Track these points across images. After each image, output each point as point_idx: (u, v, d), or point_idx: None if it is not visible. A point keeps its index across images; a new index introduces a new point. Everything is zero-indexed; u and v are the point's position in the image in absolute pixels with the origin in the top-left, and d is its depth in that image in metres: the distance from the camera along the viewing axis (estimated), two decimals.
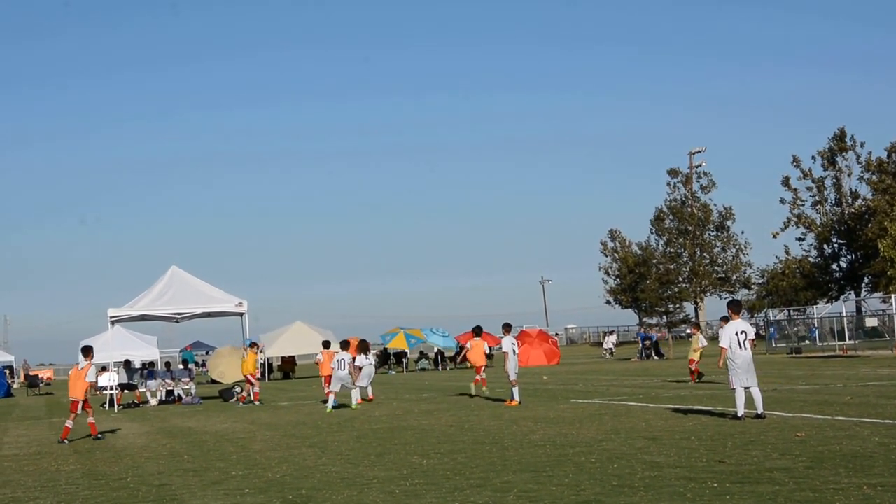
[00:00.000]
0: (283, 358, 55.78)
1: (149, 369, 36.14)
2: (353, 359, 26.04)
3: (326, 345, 28.78)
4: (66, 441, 19.52)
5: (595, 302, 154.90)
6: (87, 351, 20.42)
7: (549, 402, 24.03)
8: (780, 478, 10.44)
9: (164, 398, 33.91)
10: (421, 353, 62.30)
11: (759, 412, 16.54)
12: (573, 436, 15.58)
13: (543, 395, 27.10)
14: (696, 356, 30.51)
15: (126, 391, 33.78)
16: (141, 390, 33.84)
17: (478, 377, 27.04)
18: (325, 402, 25.66)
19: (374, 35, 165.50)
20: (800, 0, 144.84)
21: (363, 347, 27.28)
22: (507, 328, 24.89)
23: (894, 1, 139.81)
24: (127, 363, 35.89)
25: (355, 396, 25.84)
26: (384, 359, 60.59)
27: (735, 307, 17.75)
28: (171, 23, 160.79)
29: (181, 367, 39.95)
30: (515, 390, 23.42)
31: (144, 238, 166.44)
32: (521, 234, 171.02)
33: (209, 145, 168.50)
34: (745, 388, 16.76)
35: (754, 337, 17.11)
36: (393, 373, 55.72)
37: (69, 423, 19.92)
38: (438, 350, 60.06)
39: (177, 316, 33.43)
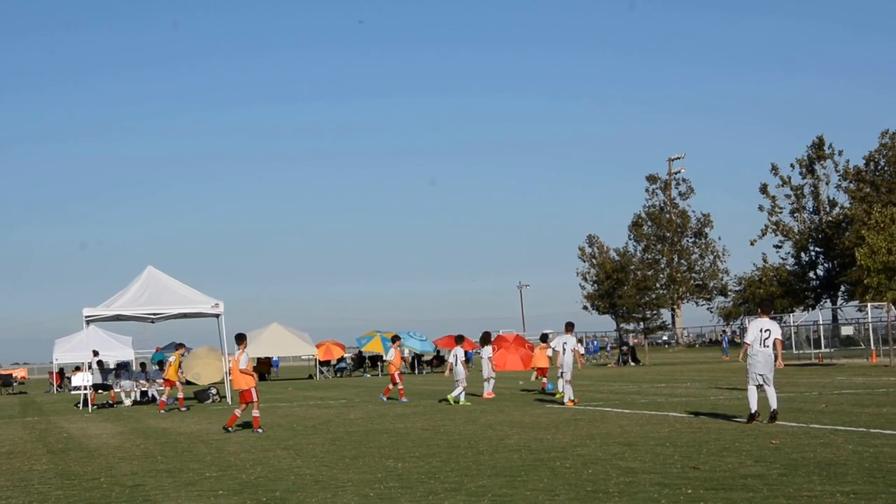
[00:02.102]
0: (259, 359, 55.55)
1: (123, 369, 35.87)
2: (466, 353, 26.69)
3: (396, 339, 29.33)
4: (230, 429, 19.60)
5: (573, 307, 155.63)
6: (242, 339, 19.99)
7: (524, 406, 24.03)
8: (755, 485, 10.46)
9: (138, 399, 33.70)
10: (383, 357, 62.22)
11: (773, 409, 16.63)
12: (548, 441, 15.57)
13: (519, 399, 27.11)
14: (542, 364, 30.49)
15: (100, 391, 33.54)
16: (115, 390, 33.62)
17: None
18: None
19: (352, 36, 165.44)
20: (783, 6, 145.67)
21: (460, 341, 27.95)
22: (569, 328, 24.76)
23: (876, 8, 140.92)
24: (100, 363, 35.63)
25: (459, 392, 25.84)
26: (359, 362, 60.47)
27: (765, 306, 18.20)
28: (151, 25, 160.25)
29: (156, 367, 39.63)
30: (568, 388, 23.49)
31: (120, 238, 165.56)
32: (500, 239, 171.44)
33: (189, 146, 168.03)
34: (759, 387, 16.88)
35: (780, 337, 17.23)
36: (368, 376, 55.63)
37: (239, 413, 19.96)
38: (415, 353, 59.98)
39: (152, 316, 33.22)
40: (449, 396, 25.75)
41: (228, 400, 31.22)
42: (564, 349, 23.99)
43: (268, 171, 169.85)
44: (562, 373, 23.77)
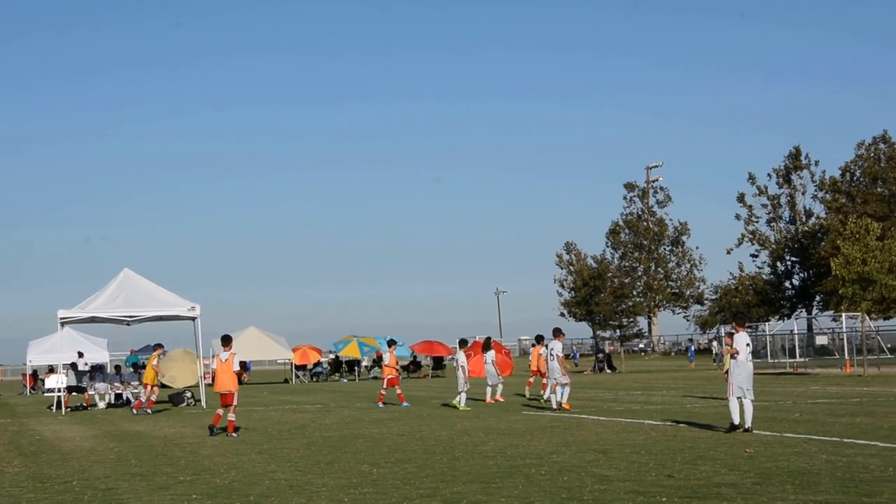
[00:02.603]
0: None
1: (98, 372, 35.61)
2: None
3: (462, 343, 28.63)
4: (216, 430, 19.63)
5: (549, 314, 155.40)
6: (229, 340, 20.08)
7: (500, 413, 24.05)
8: (728, 493, 10.50)
9: (112, 401, 33.48)
10: (374, 361, 62.12)
11: (747, 426, 16.72)
12: (524, 447, 15.59)
13: (495, 406, 27.13)
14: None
15: (74, 393, 33.30)
16: (89, 393, 33.40)
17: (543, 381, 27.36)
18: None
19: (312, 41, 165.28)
20: (762, 13, 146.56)
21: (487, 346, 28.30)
22: (556, 334, 24.93)
23: (855, 16, 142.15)
24: (74, 365, 35.39)
25: (464, 397, 26.04)
26: (336, 366, 60.34)
27: (741, 320, 18.38)
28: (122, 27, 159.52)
29: (131, 370, 39.38)
30: (565, 391, 23.76)
31: (97, 240, 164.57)
32: (477, 245, 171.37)
33: (166, 148, 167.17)
34: (739, 399, 16.97)
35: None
36: (345, 381, 55.53)
37: (221, 412, 20.00)
38: None
39: (128, 318, 33.03)
40: (454, 402, 25.93)
41: (203, 404, 31.08)
42: (552, 355, 24.21)
43: (246, 174, 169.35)
44: (548, 378, 24.08)
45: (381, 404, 27.55)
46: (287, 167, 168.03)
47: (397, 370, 29.32)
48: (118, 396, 33.79)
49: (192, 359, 38.44)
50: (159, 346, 30.55)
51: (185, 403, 32.23)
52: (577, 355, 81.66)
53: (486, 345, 29.10)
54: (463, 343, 27.82)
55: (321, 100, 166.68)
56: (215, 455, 15.92)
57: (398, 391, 28.06)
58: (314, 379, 57.44)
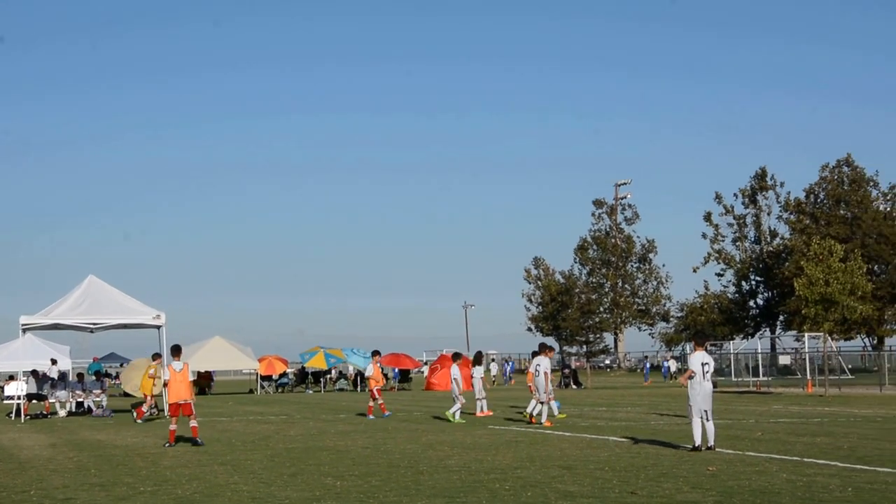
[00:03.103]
0: (199, 373, 54.95)
1: (60, 380, 35.24)
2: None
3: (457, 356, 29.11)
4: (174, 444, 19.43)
5: (517, 329, 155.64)
6: (180, 350, 20.21)
7: (466, 427, 24.04)
8: None
9: (73, 410, 33.13)
10: (340, 373, 61.92)
11: (710, 445, 16.69)
12: (489, 462, 15.59)
13: (465, 420, 27.09)
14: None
15: (34, 401, 32.92)
16: (50, 401, 33.04)
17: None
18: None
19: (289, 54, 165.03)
20: (736, 29, 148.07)
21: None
22: (542, 349, 25.24)
23: (829, 28, 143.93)
24: (35, 373, 35.00)
25: (458, 410, 25.98)
26: (302, 377, 60.08)
27: (700, 339, 18.16)
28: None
29: (93, 378, 39.01)
30: (544, 407, 24.01)
31: (62, 246, 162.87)
32: (445, 258, 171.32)
33: (135, 156, 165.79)
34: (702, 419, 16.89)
35: (713, 370, 17.44)
36: (311, 392, 55.29)
37: (176, 427, 19.74)
38: (358, 370, 59.76)
39: (91, 326, 32.74)
40: (447, 413, 25.90)
41: (167, 413, 30.80)
42: (538, 371, 24.37)
43: (213, 183, 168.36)
44: (536, 394, 24.25)
45: (387, 413, 27.68)
46: (256, 177, 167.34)
47: (381, 381, 29.35)
48: (79, 405, 33.42)
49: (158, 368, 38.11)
50: (157, 355, 30.45)
51: (147, 413, 31.92)
52: (513, 369, 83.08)
53: (477, 359, 28.94)
54: (456, 356, 27.77)
55: (292, 109, 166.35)
56: (177, 466, 15.80)
57: (380, 401, 27.94)
58: (280, 390, 57.14)
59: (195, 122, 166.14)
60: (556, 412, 25.95)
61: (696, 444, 16.73)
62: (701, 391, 16.85)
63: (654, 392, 48.05)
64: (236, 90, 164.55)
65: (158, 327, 31.83)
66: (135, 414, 29.35)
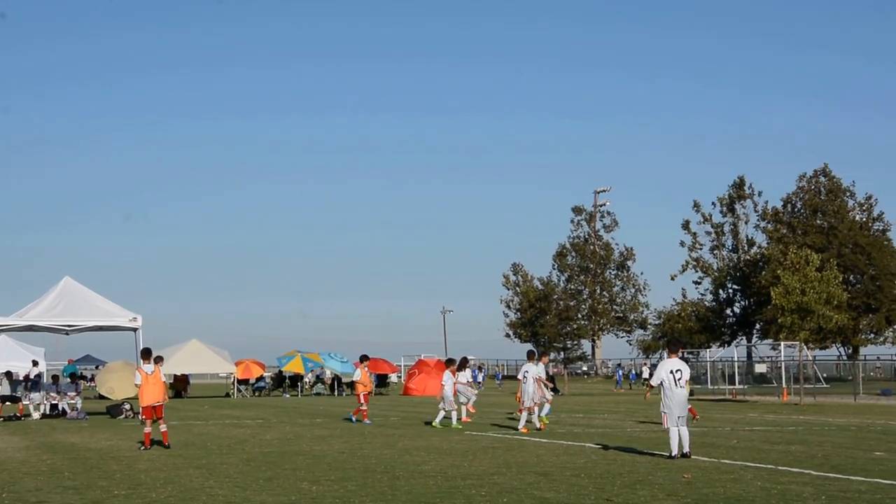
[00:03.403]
0: (175, 376, 54.72)
1: (33, 381, 35.00)
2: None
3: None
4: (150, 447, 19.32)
5: (495, 335, 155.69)
6: (149, 354, 20.25)
7: (443, 432, 24.03)
8: None
9: (47, 412, 32.90)
10: (317, 377, 61.78)
11: (686, 451, 16.66)
12: (465, 468, 15.59)
13: (438, 426, 27.08)
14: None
15: (8, 403, 32.66)
16: (24, 403, 32.79)
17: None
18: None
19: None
20: (716, 37, 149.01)
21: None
22: (531, 356, 25.42)
23: (803, 32, 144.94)
24: (8, 374, 34.72)
25: (454, 415, 25.93)
26: (279, 381, 59.91)
27: (673, 346, 18.05)
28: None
29: (68, 380, 38.73)
30: (524, 416, 24.28)
31: (37, 247, 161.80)
32: (424, 263, 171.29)
33: (113, 157, 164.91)
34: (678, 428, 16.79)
35: (689, 377, 17.22)
36: (288, 396, 55.14)
37: (151, 429, 19.67)
38: (335, 375, 59.66)
39: (67, 328, 32.53)
40: (441, 422, 25.80)
41: (141, 416, 30.62)
42: (526, 377, 24.50)
43: (190, 186, 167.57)
44: (524, 401, 24.40)
45: (367, 420, 27.53)
46: (231, 181, 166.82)
47: (368, 387, 29.29)
48: (54, 407, 33.19)
49: (133, 370, 37.89)
50: (160, 358, 30.23)
51: (123, 415, 31.78)
52: (499, 377, 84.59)
53: (462, 364, 28.79)
54: (450, 362, 27.68)
55: (267, 110, 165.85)
56: (152, 469, 15.72)
57: (363, 408, 27.87)
58: (256, 393, 56.96)
59: (171, 123, 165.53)
60: (535, 421, 25.69)
61: (673, 454, 16.69)
62: (674, 398, 16.80)
63: (630, 399, 48.19)
64: (215, 91, 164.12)
65: (135, 330, 31.65)
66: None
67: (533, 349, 25.49)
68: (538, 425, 24.33)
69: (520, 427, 24.05)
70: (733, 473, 14.63)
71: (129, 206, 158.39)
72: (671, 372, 16.87)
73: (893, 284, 71.75)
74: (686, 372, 17.04)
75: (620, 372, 73.52)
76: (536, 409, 24.68)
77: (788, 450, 18.72)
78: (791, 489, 12.84)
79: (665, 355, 18.20)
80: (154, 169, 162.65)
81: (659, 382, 16.99)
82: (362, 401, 27.80)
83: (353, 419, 28.02)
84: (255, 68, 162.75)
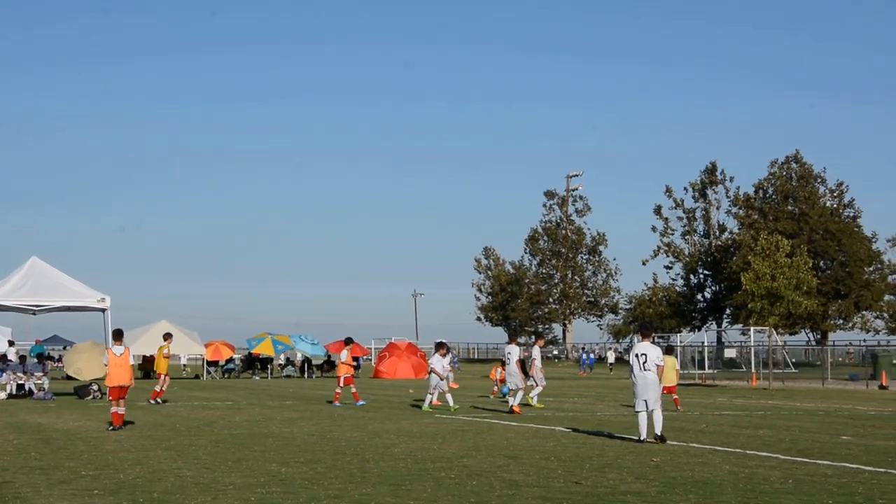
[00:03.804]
0: (144, 357, 54.37)
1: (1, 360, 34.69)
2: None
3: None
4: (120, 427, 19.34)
5: (466, 318, 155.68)
6: (120, 335, 20.24)
7: (413, 415, 24.03)
8: (634, 501, 10.63)
9: (14, 392, 32.62)
10: (287, 359, 61.60)
11: (658, 434, 16.63)
12: (435, 450, 15.58)
13: (408, 408, 27.10)
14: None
15: None
16: None
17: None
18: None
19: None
20: (688, 23, 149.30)
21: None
22: (513, 339, 25.80)
23: (779, 19, 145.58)
24: None
25: (450, 398, 25.88)
26: (249, 364, 59.71)
27: (645, 331, 18.17)
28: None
29: (35, 360, 38.41)
30: (518, 396, 24.50)
31: (5, 228, 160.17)
32: (396, 246, 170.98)
33: (80, 139, 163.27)
34: (649, 411, 16.78)
35: (661, 362, 17.07)
36: (258, 378, 54.96)
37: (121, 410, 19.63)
38: (305, 357, 59.53)
39: (34, 308, 32.23)
40: (425, 407, 25.71)
41: (108, 397, 30.43)
42: (509, 360, 24.75)
43: (159, 168, 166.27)
44: (510, 383, 24.68)
45: (338, 403, 27.47)
46: (203, 163, 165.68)
47: (353, 367, 29.28)
48: (20, 387, 32.92)
49: (101, 351, 37.57)
50: (169, 335, 30.27)
51: (90, 396, 31.56)
52: (457, 362, 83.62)
53: (438, 347, 28.67)
54: (440, 346, 27.50)
55: (245, 97, 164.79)
56: (119, 450, 15.61)
57: (353, 389, 27.82)
58: (226, 375, 56.75)
59: (144, 106, 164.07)
60: (515, 400, 25.98)
61: (641, 438, 16.73)
62: (640, 382, 16.82)
63: (600, 383, 48.44)
64: (188, 77, 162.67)
65: (103, 311, 31.41)
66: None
67: (513, 332, 25.70)
68: (521, 404, 24.36)
69: (512, 407, 24.18)
70: (702, 457, 14.71)
71: (97, 189, 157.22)
72: (636, 356, 16.91)
73: (863, 271, 72.48)
74: (653, 356, 16.94)
75: (588, 356, 73.94)
76: (521, 392, 24.85)
77: (756, 434, 18.85)
78: (759, 473, 12.93)
79: (638, 339, 18.28)
80: (123, 150, 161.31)
81: (631, 364, 17.07)
82: (342, 383, 27.73)
83: (335, 404, 27.74)
84: (213, 54, 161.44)
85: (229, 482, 12.00)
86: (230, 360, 58.07)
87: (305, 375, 57.84)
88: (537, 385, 27.64)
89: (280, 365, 60.58)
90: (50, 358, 57.70)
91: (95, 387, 32.28)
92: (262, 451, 15.55)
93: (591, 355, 77.63)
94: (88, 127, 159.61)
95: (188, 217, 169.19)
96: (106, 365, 19.95)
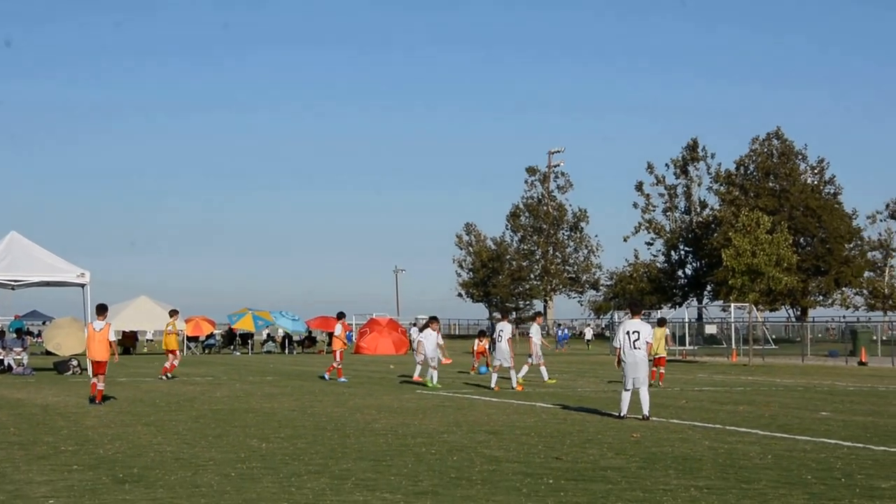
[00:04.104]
0: (124, 332, 54.20)
1: None
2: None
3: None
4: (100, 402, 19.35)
5: (447, 294, 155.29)
6: (103, 310, 20.15)
7: (394, 391, 24.05)
8: (614, 477, 10.67)
9: None
10: (268, 335, 61.55)
11: (645, 414, 16.62)
12: (415, 426, 15.60)
13: (389, 384, 27.13)
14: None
15: None
16: None
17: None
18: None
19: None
20: (670, 3, 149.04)
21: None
22: (505, 316, 25.77)
23: (752, 11, 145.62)
24: None
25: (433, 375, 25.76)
26: (229, 339, 59.63)
27: (635, 308, 18.15)
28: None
29: (14, 336, 38.19)
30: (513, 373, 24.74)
31: None
32: (377, 221, 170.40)
33: (54, 102, 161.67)
34: (634, 389, 16.75)
35: (649, 339, 17.04)
36: (238, 354, 54.92)
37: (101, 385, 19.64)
38: (286, 333, 59.47)
39: (13, 283, 32.03)
40: (427, 381, 25.64)
41: (90, 372, 30.31)
42: (500, 337, 24.86)
43: (140, 137, 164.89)
44: (498, 360, 24.84)
45: (342, 378, 27.40)
46: (183, 131, 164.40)
47: (345, 345, 29.27)
48: None
49: (80, 327, 37.45)
50: (175, 311, 30.20)
51: (70, 372, 31.44)
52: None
53: (427, 324, 28.46)
54: (433, 320, 27.36)
55: (206, 58, 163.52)
56: (99, 426, 15.55)
57: (338, 366, 27.73)
58: (206, 351, 56.66)
59: (112, 64, 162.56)
60: (545, 377, 27.35)
61: (623, 414, 16.77)
62: (630, 360, 16.80)
63: (581, 359, 48.61)
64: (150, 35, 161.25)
65: (83, 286, 31.24)
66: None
67: (505, 310, 25.73)
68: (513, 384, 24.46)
69: (514, 385, 24.42)
70: (681, 433, 14.78)
71: (76, 153, 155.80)
72: (627, 333, 16.81)
73: (843, 247, 72.80)
74: (644, 333, 16.89)
75: (559, 332, 74.40)
76: (525, 367, 25.14)
77: (736, 410, 18.95)
78: (738, 448, 12.99)
79: (625, 316, 18.35)
80: (98, 116, 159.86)
81: (620, 343, 16.98)
82: (338, 358, 27.72)
83: (327, 377, 27.81)
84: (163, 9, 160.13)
85: (209, 457, 11.97)
86: (210, 336, 57.97)
87: (286, 351, 57.81)
88: (535, 362, 27.41)
89: (261, 341, 60.50)
90: (29, 333, 57.49)
91: (75, 362, 32.16)
92: (243, 426, 15.52)
93: (567, 330, 77.89)
94: (63, 93, 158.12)
95: (167, 192, 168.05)
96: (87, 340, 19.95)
